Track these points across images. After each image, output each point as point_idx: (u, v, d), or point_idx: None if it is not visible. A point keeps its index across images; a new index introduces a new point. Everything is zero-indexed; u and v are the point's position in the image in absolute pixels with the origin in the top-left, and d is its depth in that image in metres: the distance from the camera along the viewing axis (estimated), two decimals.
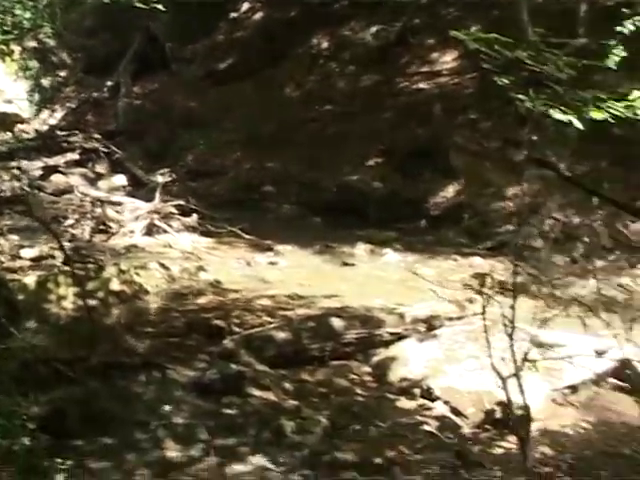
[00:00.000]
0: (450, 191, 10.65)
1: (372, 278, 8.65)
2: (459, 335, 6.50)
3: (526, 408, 4.61)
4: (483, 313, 4.62)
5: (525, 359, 4.56)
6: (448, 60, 13.24)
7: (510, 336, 4.37)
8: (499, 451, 5.59)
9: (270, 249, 9.61)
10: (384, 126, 12.15)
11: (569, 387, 6.40)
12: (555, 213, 9.83)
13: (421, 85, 13.03)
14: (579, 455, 5.69)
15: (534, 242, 9.19)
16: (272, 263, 9.22)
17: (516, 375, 4.34)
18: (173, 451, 5.34)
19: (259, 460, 5.27)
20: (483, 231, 9.70)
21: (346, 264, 9.18)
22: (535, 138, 5.19)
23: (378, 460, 5.39)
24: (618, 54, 9.50)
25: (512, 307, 4.39)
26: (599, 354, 6.49)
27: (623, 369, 6.48)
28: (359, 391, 6.28)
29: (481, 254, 9.16)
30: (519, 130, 8.70)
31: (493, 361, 4.86)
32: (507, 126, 10.31)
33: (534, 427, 5.97)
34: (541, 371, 6.38)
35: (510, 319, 4.44)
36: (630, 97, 5.52)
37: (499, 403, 5.68)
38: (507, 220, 9.68)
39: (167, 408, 5.79)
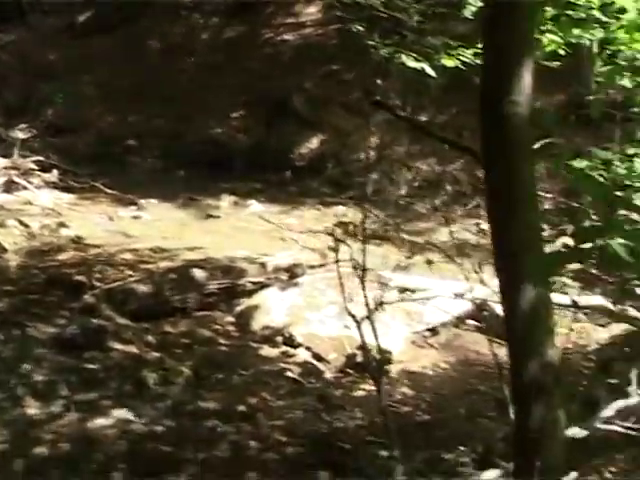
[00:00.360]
0: (314, 142, 10.69)
1: (236, 230, 8.66)
2: (320, 282, 6.58)
3: (380, 349, 4.71)
4: (337, 261, 4.68)
5: (380, 302, 4.65)
6: (313, 11, 13.21)
7: (361, 280, 4.45)
8: (360, 393, 5.72)
9: (133, 203, 9.48)
10: (248, 78, 12.06)
11: (429, 329, 6.59)
12: (418, 161, 10.00)
13: (285, 36, 12.97)
14: (438, 393, 5.88)
15: (397, 190, 9.35)
16: (135, 217, 9.10)
17: (369, 318, 4.42)
18: (33, 408, 5.27)
19: (121, 413, 5.25)
20: (346, 180, 9.79)
21: (210, 216, 9.15)
22: (380, 82, 5.25)
23: (241, 407, 5.45)
24: (474, 4, 9.65)
25: (363, 251, 4.46)
26: (458, 296, 6.66)
27: (480, 310, 6.69)
28: (222, 341, 6.31)
29: (344, 203, 9.24)
30: (376, 79, 8.80)
31: (350, 306, 4.96)
32: (368, 76, 10.39)
33: (395, 369, 6.15)
34: (402, 315, 6.56)
35: (361, 263, 4.51)
36: (479, 45, 5.65)
37: (360, 347, 5.78)
38: (370, 169, 9.80)
39: (27, 366, 5.69)
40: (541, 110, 9.35)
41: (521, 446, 2.45)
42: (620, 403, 4.43)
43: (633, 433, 4.47)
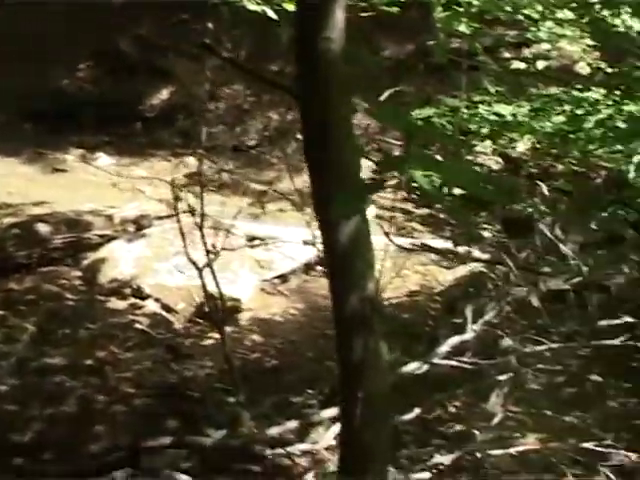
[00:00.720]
0: (164, 93, 10.52)
1: (83, 183, 8.46)
2: (168, 233, 6.51)
3: (221, 296, 4.73)
4: (177, 212, 4.67)
5: (220, 249, 4.66)
6: None
7: (200, 228, 4.45)
8: (209, 342, 5.73)
9: None
10: (97, 28, 11.75)
11: (279, 277, 6.63)
12: (269, 111, 9.98)
13: None
14: (287, 339, 5.95)
15: (247, 139, 9.32)
16: None
17: (209, 265, 4.42)
18: None
19: None
20: (197, 131, 9.68)
21: (57, 170, 8.91)
22: (211, 26, 5.21)
23: (89, 362, 5.40)
24: None
25: (201, 198, 4.45)
26: (307, 244, 6.73)
27: None
28: (69, 295, 6.19)
29: (195, 154, 9.16)
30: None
31: (197, 255, 4.96)
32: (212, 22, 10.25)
33: (245, 316, 6.19)
34: (251, 263, 6.59)
35: (205, 213, 4.51)
36: None
37: (207, 296, 5.78)
38: (221, 120, 9.73)
39: None
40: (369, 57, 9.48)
41: (345, 378, 2.50)
42: (455, 339, 4.58)
43: (468, 367, 4.65)
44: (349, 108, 2.34)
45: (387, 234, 4.56)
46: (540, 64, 8.76)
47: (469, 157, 8.44)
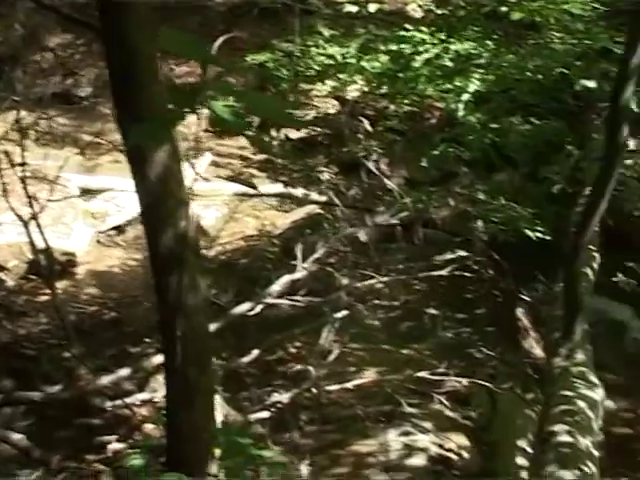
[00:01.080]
0: None
1: None
2: None
3: (48, 249, 4.61)
4: None
5: (48, 200, 4.54)
6: None
7: (22, 179, 4.31)
8: (44, 298, 5.58)
9: None
10: None
11: (115, 228, 6.52)
12: (100, 60, 9.71)
13: None
14: (125, 291, 5.86)
15: (80, 91, 9.06)
16: None
17: (34, 218, 4.29)
18: None
19: None
20: (27, 83, 9.34)
21: None
22: None
23: None
24: None
25: (21, 148, 4.31)
26: None
27: None
28: None
29: (25, 107, 8.84)
30: None
31: (23, 209, 4.81)
32: None
33: (81, 270, 6.06)
34: (85, 216, 6.45)
35: (22, 162, 4.37)
36: None
37: (41, 251, 5.63)
38: (51, 71, 9.41)
39: None
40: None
41: (163, 317, 2.48)
42: (285, 278, 4.60)
43: (305, 305, 4.69)
44: (153, 44, 2.29)
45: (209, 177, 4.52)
46: (372, 7, 8.83)
47: (305, 100, 8.48)
